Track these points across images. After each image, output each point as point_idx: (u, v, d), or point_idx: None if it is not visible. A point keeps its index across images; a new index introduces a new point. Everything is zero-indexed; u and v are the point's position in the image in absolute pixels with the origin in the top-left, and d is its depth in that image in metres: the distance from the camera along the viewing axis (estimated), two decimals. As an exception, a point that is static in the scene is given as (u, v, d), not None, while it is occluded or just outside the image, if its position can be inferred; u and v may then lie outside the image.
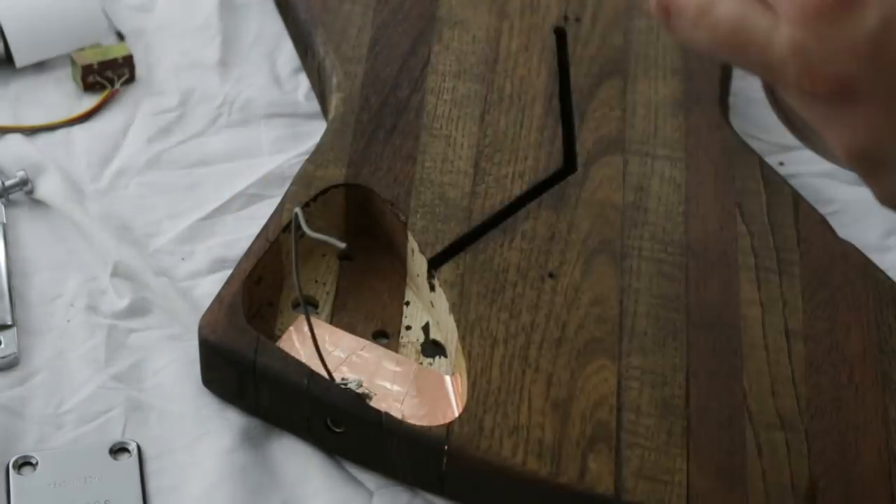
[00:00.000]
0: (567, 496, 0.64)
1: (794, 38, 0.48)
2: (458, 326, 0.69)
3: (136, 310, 0.75)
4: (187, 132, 0.85)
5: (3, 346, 0.73)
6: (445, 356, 0.72)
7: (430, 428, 0.66)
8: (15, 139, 0.85)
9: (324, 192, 0.75)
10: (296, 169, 0.78)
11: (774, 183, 0.78)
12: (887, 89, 0.47)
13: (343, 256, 0.75)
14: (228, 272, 0.72)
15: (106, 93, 0.87)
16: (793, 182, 0.79)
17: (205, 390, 0.71)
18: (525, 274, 0.72)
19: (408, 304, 0.74)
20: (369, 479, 0.68)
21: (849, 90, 0.48)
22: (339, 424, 0.67)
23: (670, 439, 0.66)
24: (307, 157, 0.78)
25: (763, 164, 0.79)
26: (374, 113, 0.79)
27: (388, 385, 0.69)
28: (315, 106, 0.87)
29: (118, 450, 0.69)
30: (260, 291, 0.72)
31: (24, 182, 0.81)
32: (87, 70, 0.87)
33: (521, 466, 0.64)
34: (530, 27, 0.85)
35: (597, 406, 0.67)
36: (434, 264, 0.72)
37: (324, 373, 0.67)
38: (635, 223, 0.75)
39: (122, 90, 0.88)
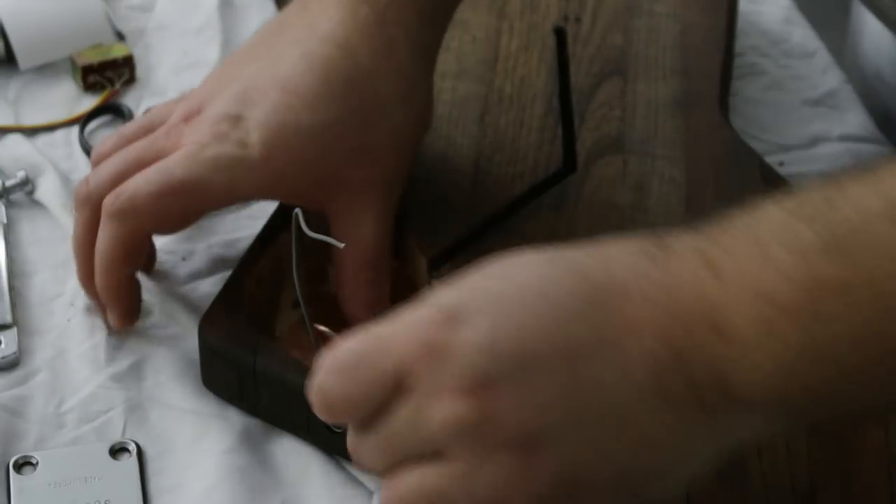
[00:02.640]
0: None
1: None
2: (458, 326, 0.69)
3: (136, 310, 0.75)
4: (187, 132, 0.85)
5: (3, 346, 0.73)
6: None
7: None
8: (15, 139, 0.85)
9: (324, 192, 0.75)
10: (296, 169, 0.78)
11: (774, 183, 0.78)
12: (518, 369, 0.51)
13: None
14: (228, 272, 0.72)
15: (106, 93, 0.87)
16: (793, 182, 0.79)
17: (205, 390, 0.71)
18: (525, 274, 0.72)
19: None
20: (369, 479, 0.68)
21: (489, 388, 0.51)
22: (339, 424, 0.67)
23: (670, 439, 0.66)
24: (307, 157, 0.78)
25: (763, 164, 0.79)
26: (374, 113, 0.79)
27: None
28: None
29: (118, 450, 0.69)
30: (260, 291, 0.72)
31: (24, 182, 0.81)
32: (87, 70, 0.87)
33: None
34: (530, 27, 0.85)
35: (597, 406, 0.67)
36: (434, 264, 0.72)
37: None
38: (635, 223, 0.75)
39: (122, 90, 0.88)
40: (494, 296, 0.53)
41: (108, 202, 0.69)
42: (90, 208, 0.71)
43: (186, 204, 0.70)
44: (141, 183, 0.69)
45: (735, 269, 0.52)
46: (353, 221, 0.70)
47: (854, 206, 0.51)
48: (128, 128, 0.76)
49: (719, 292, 0.51)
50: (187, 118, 0.71)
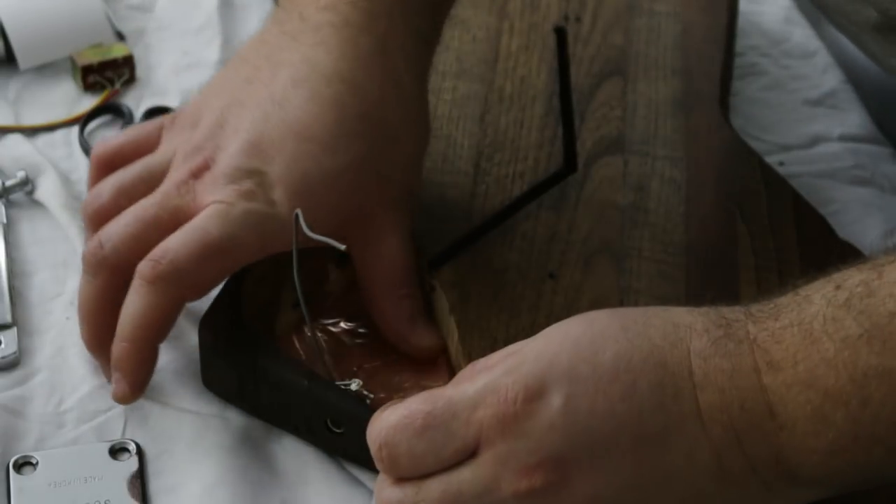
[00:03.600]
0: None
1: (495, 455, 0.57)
2: (458, 327, 0.69)
3: (137, 310, 0.75)
4: (187, 132, 0.85)
5: (3, 345, 0.73)
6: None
7: (430, 428, 0.66)
8: (15, 139, 0.85)
9: (324, 192, 0.75)
10: (296, 169, 0.78)
11: (774, 183, 0.78)
12: (589, 451, 0.56)
13: (343, 257, 0.75)
14: (228, 272, 0.72)
15: (106, 93, 0.87)
16: (793, 182, 0.79)
17: (205, 390, 0.71)
18: (525, 274, 0.72)
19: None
20: (369, 479, 0.68)
21: (561, 466, 0.56)
22: (339, 424, 0.67)
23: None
24: (307, 157, 0.78)
25: (763, 164, 0.79)
26: (374, 113, 0.79)
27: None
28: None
29: (118, 450, 0.69)
30: (260, 291, 0.72)
31: (24, 182, 0.81)
32: (87, 70, 0.87)
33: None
34: (530, 27, 0.85)
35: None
36: (434, 265, 0.72)
37: (324, 373, 0.67)
38: (635, 223, 0.75)
39: (122, 90, 0.88)
40: (572, 375, 0.57)
41: (146, 268, 0.66)
42: (108, 273, 0.68)
43: (224, 264, 0.68)
44: (178, 245, 0.66)
45: (789, 362, 0.55)
46: (379, 248, 0.70)
47: (891, 293, 0.54)
48: (124, 178, 0.72)
49: (775, 383, 0.55)
50: (196, 174, 0.69)
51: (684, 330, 0.58)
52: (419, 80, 0.72)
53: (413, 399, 0.59)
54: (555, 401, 0.56)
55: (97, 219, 0.71)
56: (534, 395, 0.57)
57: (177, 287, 0.67)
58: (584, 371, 0.57)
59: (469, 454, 0.58)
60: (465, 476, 0.58)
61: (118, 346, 0.67)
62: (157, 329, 0.67)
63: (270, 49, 0.72)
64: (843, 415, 0.54)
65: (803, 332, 0.55)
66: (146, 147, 0.73)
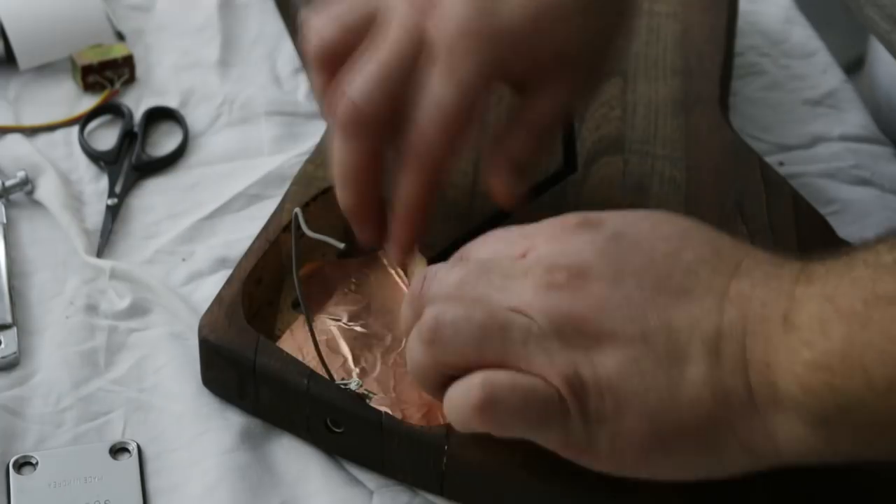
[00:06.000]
0: (568, 496, 0.64)
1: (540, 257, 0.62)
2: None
3: (137, 310, 0.75)
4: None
5: (3, 346, 0.73)
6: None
7: (430, 428, 0.66)
8: (15, 139, 0.85)
9: (324, 192, 0.75)
10: (296, 169, 0.78)
11: (774, 183, 0.78)
12: (614, 273, 0.60)
13: (342, 256, 0.75)
14: (229, 272, 0.72)
15: (106, 93, 0.87)
16: (793, 182, 0.79)
17: (205, 390, 0.71)
18: (525, 274, 0.72)
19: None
20: (369, 479, 0.68)
21: (584, 274, 0.60)
22: (339, 424, 0.67)
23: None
24: (307, 157, 0.78)
25: (763, 164, 0.79)
26: (374, 113, 0.79)
27: (388, 385, 0.69)
28: (315, 106, 0.87)
29: (118, 450, 0.69)
30: (260, 291, 0.72)
31: (24, 182, 0.81)
32: (87, 70, 0.87)
33: (521, 466, 0.64)
34: (530, 27, 0.85)
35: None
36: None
37: (324, 373, 0.67)
38: (635, 223, 0.75)
39: (121, 90, 0.88)
40: (629, 220, 0.62)
41: (411, 160, 0.67)
42: (369, 134, 0.67)
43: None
44: (431, 130, 0.66)
45: (822, 278, 0.57)
46: (552, 92, 0.70)
47: None
48: (346, 15, 0.68)
49: (804, 294, 0.57)
50: (422, 8, 0.66)
51: (748, 246, 0.61)
52: None
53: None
54: (607, 229, 0.61)
55: (329, 61, 0.68)
56: (591, 221, 0.62)
57: (440, 167, 0.68)
58: (643, 225, 0.62)
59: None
60: (501, 260, 0.62)
61: (399, 223, 0.69)
62: (425, 205, 0.68)
63: None
64: (841, 332, 0.55)
65: (846, 260, 0.57)
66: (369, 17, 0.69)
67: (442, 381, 0.62)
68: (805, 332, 0.56)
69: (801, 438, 0.57)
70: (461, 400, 0.60)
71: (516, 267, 0.62)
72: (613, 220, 0.62)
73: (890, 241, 0.56)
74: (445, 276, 0.63)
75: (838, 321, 0.55)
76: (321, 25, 0.69)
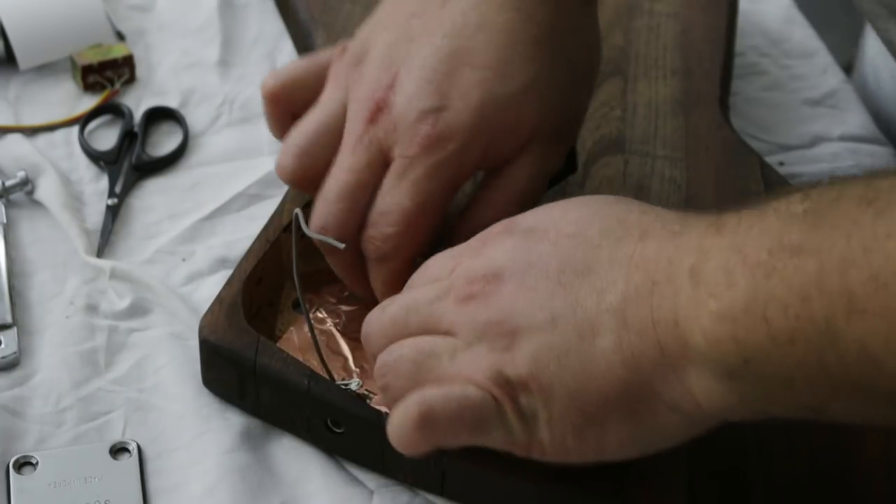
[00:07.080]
0: (568, 496, 0.64)
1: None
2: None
3: (137, 310, 0.75)
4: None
5: (3, 346, 0.73)
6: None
7: (430, 428, 0.66)
8: (15, 139, 0.85)
9: (324, 192, 0.75)
10: (296, 169, 0.78)
11: (774, 183, 0.78)
12: (523, 269, 0.61)
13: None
14: (229, 272, 0.72)
15: (106, 93, 0.87)
16: (793, 182, 0.79)
17: (205, 390, 0.71)
18: (525, 274, 0.72)
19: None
20: (369, 479, 0.68)
21: (498, 278, 0.61)
22: (339, 424, 0.67)
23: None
24: (307, 157, 0.78)
25: (763, 164, 0.79)
26: (374, 113, 0.79)
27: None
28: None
29: (118, 450, 0.69)
30: (260, 291, 0.72)
31: (24, 182, 0.81)
32: (87, 70, 0.87)
33: (521, 466, 0.64)
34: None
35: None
36: (434, 264, 0.72)
37: (324, 373, 0.67)
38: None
39: (122, 90, 0.88)
40: (540, 217, 0.63)
41: (371, 251, 0.69)
42: (349, 250, 0.69)
43: (435, 217, 0.69)
44: (388, 224, 0.68)
45: (733, 227, 0.56)
46: (512, 169, 0.70)
47: (839, 188, 0.54)
48: (302, 141, 0.71)
49: (713, 246, 0.56)
50: (373, 118, 0.68)
51: (660, 210, 0.61)
52: (590, 7, 0.73)
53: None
54: (520, 228, 0.62)
55: (297, 184, 0.72)
56: (509, 226, 0.63)
57: (405, 256, 0.69)
58: (554, 214, 0.62)
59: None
60: (425, 289, 0.63)
61: (383, 294, 0.69)
62: (400, 283, 0.68)
63: None
64: (746, 282, 0.54)
65: (759, 210, 0.56)
66: (316, 84, 0.72)
67: None
68: (711, 284, 0.55)
69: (715, 393, 0.56)
70: (400, 421, 0.61)
71: (439, 288, 0.63)
72: (528, 217, 0.63)
73: (804, 191, 0.55)
74: (379, 319, 0.64)
75: (743, 271, 0.54)
76: (280, 69, 0.74)
